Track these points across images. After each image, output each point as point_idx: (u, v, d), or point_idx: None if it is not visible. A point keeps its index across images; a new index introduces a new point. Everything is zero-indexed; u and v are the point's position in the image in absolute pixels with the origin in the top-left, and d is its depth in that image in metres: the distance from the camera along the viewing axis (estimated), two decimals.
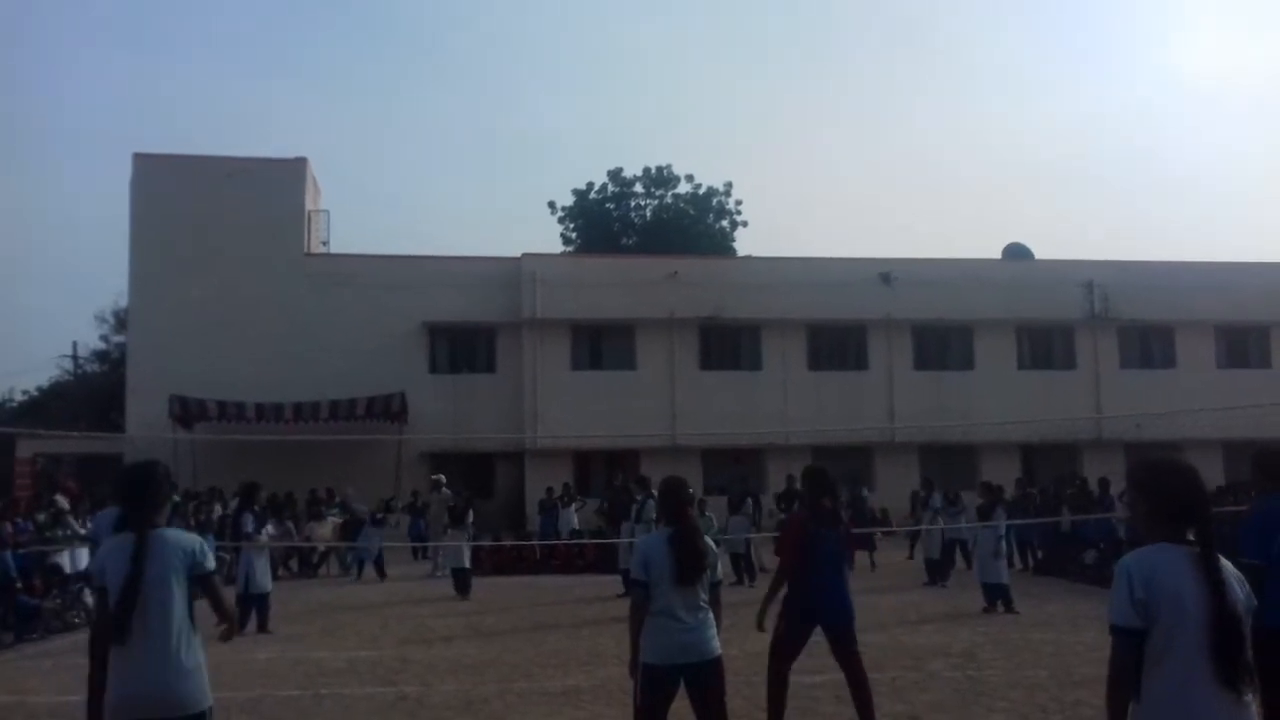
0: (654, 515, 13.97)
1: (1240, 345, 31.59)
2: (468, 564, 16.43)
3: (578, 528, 21.20)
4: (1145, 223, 76.80)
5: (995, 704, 7.71)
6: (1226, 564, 3.14)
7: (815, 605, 6.76)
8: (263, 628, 12.16)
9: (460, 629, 12.34)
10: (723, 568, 5.45)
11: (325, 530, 20.60)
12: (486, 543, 19.39)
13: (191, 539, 4.29)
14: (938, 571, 16.37)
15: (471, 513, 17.85)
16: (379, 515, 20.35)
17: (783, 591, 6.84)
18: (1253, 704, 3.08)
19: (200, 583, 4.20)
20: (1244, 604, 3.09)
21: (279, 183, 29.19)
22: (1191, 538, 3.16)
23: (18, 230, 75.90)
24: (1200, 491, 3.23)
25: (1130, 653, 3.06)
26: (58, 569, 14.68)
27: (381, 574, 18.66)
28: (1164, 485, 3.24)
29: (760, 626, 6.76)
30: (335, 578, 19.50)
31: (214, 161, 28.98)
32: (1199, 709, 2.99)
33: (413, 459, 26.70)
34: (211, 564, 4.27)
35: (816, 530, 6.79)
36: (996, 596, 13.05)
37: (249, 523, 12.95)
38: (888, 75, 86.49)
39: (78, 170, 75.98)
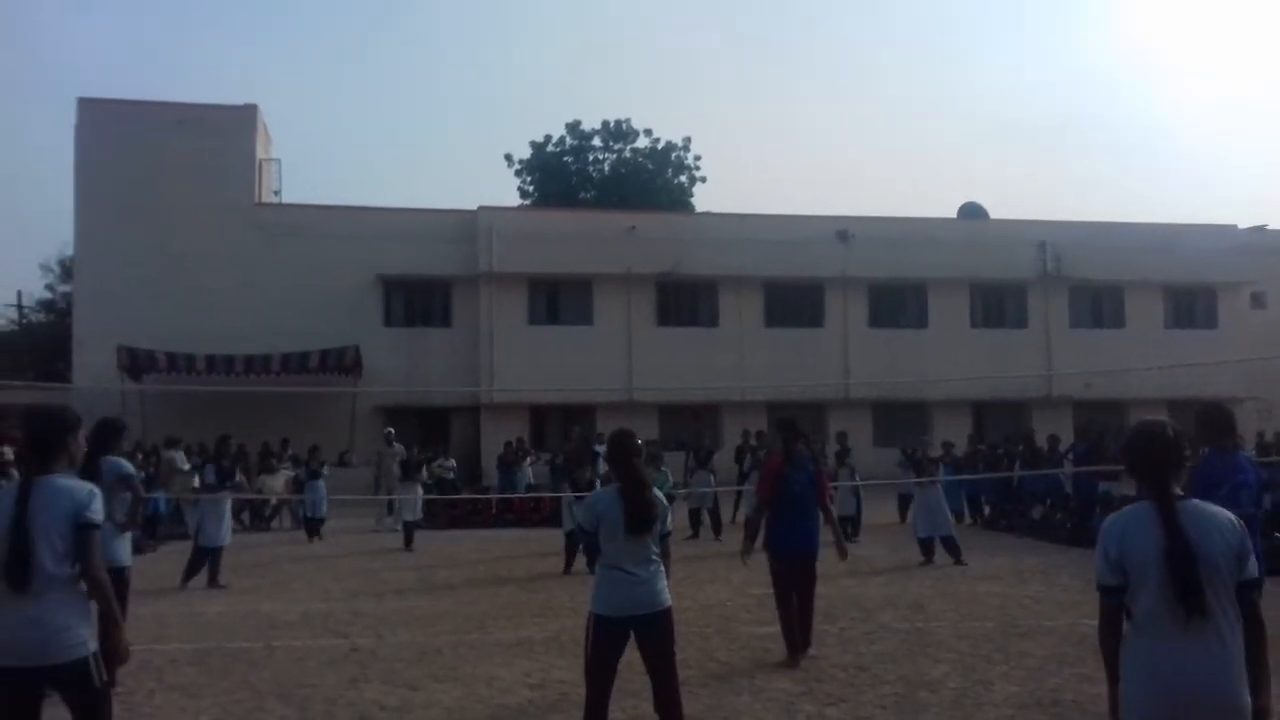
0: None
1: (1187, 306, 32.08)
2: (418, 516, 16.39)
3: (533, 482, 21.15)
4: (1101, 183, 77.53)
5: (942, 654, 7.85)
6: (1218, 513, 3.35)
7: (789, 538, 7.69)
8: (213, 582, 11.98)
9: (413, 582, 12.31)
10: (674, 520, 5.48)
11: (277, 483, 20.41)
12: (439, 496, 19.22)
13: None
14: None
15: (426, 469, 17.40)
16: (315, 468, 18.33)
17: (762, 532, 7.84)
18: (1235, 637, 3.24)
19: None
20: (1221, 548, 3.25)
21: (229, 130, 28.56)
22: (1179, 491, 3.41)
23: None
24: (1159, 451, 3.44)
25: (1113, 607, 3.40)
26: None
27: (311, 534, 17.35)
28: (1133, 448, 3.52)
29: (744, 560, 7.69)
30: (288, 531, 19.36)
31: (162, 107, 28.25)
32: (1167, 646, 3.24)
33: (367, 413, 26.53)
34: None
35: (790, 473, 7.73)
36: (950, 548, 13.28)
37: (210, 474, 12.70)
38: (847, 34, 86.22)
39: (22, 115, 73.83)
